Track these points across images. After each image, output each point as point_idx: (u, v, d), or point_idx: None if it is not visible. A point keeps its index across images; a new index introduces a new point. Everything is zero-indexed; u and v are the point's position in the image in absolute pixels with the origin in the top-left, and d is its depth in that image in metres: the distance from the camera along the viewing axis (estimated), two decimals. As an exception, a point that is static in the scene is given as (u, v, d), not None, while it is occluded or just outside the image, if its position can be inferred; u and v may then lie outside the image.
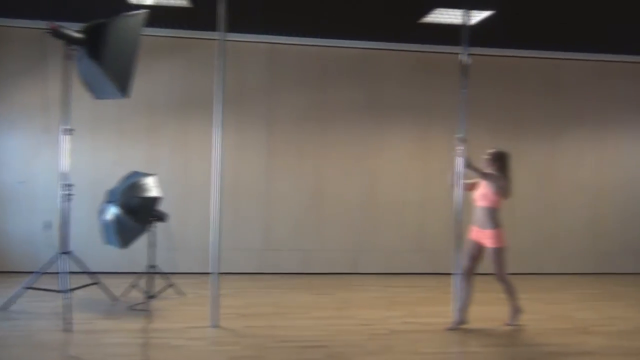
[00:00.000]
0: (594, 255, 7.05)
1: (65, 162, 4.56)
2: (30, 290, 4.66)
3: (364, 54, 6.54)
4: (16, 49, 6.20)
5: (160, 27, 5.98)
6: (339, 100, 6.55)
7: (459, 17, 5.16)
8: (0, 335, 4.09)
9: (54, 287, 4.53)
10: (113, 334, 4.23)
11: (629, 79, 6.99)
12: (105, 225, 5.00)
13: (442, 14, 5.12)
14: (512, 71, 6.80)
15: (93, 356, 3.75)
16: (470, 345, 4.30)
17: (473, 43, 6.21)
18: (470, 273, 4.67)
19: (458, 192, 4.88)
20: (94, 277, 5.10)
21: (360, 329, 4.55)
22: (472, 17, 5.15)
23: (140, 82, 5.07)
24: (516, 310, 4.73)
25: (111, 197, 5.03)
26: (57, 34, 4.30)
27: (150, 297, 4.99)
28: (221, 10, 4.49)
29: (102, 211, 5.08)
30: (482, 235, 4.61)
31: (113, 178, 5.29)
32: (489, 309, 5.28)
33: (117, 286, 5.39)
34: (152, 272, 5.14)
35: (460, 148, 4.49)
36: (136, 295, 5.20)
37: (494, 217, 4.57)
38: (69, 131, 4.55)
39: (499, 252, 4.57)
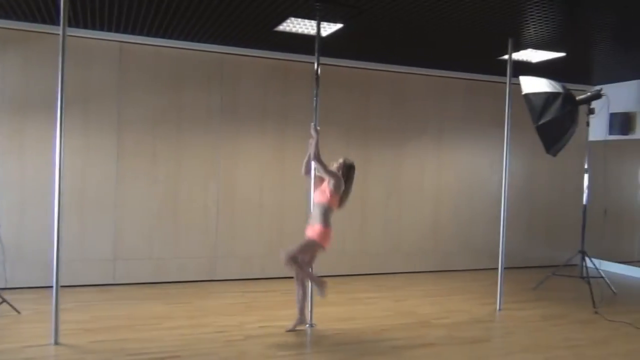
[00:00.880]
0: (436, 255, 7.64)
1: None
2: None
3: (220, 59, 6.49)
4: None
5: (-7, 17, 5.44)
6: (194, 104, 6.41)
7: (312, 27, 5.33)
8: None
9: None
10: None
11: (461, 93, 7.70)
12: None
13: (295, 24, 5.24)
14: (362, 82, 7.16)
15: None
16: (324, 344, 4.44)
17: (325, 53, 6.48)
18: (302, 272, 4.70)
19: (313, 195, 5.03)
20: None
21: (215, 337, 4.49)
22: (324, 29, 5.34)
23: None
24: (302, 317, 4.78)
25: None
26: None
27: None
28: (62, 2, 4.18)
29: None
30: (310, 230, 4.65)
31: None
32: (340, 309, 5.49)
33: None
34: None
35: (312, 139, 4.59)
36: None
37: (326, 214, 4.58)
38: None
39: (314, 245, 4.59)
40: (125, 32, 5.90)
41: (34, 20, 5.54)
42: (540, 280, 6.83)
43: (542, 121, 5.85)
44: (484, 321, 5.25)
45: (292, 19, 5.09)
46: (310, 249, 4.62)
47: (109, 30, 5.84)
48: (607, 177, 7.21)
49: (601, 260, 7.26)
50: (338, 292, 6.24)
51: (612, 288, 6.54)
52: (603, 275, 6.52)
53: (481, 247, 7.82)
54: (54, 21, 5.48)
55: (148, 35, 5.99)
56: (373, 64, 7.09)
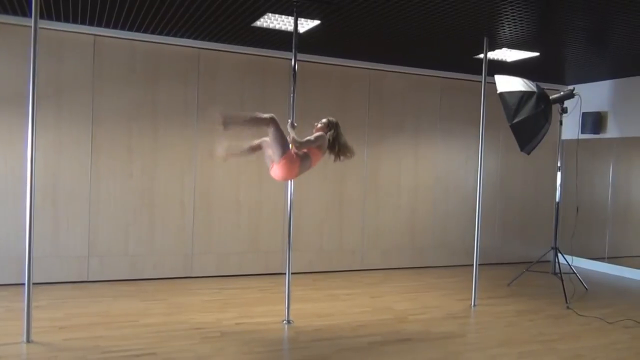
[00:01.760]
0: (412, 251, 7.70)
1: None
2: None
3: (197, 54, 6.43)
4: None
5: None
6: (170, 99, 6.35)
7: (289, 24, 5.32)
8: None
9: None
10: None
11: (437, 91, 7.77)
12: None
13: (272, 20, 5.22)
14: (340, 79, 7.17)
15: None
16: (301, 340, 4.44)
17: (303, 50, 6.49)
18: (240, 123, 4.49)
19: (290, 192, 5.03)
20: None
21: (192, 333, 4.46)
22: (301, 25, 5.34)
23: None
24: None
25: None
26: None
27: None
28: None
29: None
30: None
31: None
32: (317, 306, 5.51)
33: None
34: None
35: (289, 135, 4.58)
36: None
37: (302, 151, 4.51)
38: None
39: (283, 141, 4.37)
40: (99, 25, 5.81)
41: (4, 12, 5.42)
42: (515, 276, 6.94)
43: (516, 120, 5.94)
44: (459, 317, 5.31)
45: (270, 14, 5.07)
46: (282, 143, 4.34)
47: (83, 23, 5.74)
48: (579, 175, 7.35)
49: (573, 257, 7.40)
50: (315, 288, 6.26)
51: (584, 284, 6.68)
52: (575, 271, 6.65)
53: (457, 244, 7.91)
54: (26, 13, 5.37)
55: (122, 29, 5.91)
56: (350, 61, 7.11)
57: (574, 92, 6.31)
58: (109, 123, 6.10)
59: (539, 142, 6.10)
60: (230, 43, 6.38)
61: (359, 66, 7.20)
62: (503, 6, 4.58)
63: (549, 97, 6.07)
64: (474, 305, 5.69)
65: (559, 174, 6.70)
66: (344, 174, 7.15)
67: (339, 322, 4.97)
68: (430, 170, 7.78)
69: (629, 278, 7.48)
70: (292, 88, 4.87)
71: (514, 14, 4.81)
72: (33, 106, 4.13)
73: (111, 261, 6.16)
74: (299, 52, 6.08)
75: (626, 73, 7.41)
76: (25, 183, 4.16)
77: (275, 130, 4.30)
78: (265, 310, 5.22)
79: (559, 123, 6.49)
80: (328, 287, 6.33)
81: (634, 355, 4.37)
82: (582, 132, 7.87)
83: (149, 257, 6.31)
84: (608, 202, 7.98)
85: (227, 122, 4.29)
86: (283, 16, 5.13)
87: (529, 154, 6.22)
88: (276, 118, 4.32)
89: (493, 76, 6.16)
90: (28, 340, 4.08)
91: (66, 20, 5.65)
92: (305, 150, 4.49)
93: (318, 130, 4.66)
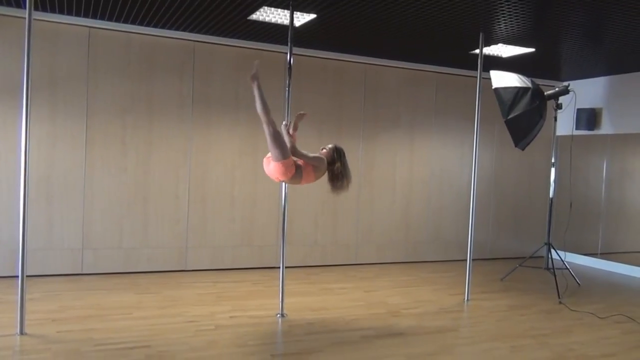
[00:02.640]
0: (407, 246, 7.73)
1: None
2: None
3: (192, 47, 6.41)
4: None
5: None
6: (165, 92, 6.33)
7: (285, 17, 5.31)
8: None
9: None
10: None
11: (432, 86, 7.77)
12: None
13: (268, 13, 5.21)
14: (335, 73, 7.17)
15: None
16: (295, 334, 4.46)
17: (298, 44, 6.47)
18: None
19: (285, 186, 5.04)
20: None
21: (186, 327, 4.47)
22: (297, 19, 5.33)
23: None
24: None
25: None
26: None
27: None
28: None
29: None
30: None
31: None
32: (312, 300, 5.52)
33: None
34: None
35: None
36: None
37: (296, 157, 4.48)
38: None
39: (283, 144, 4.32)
40: (94, 17, 5.78)
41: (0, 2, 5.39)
42: (508, 271, 6.97)
43: (511, 115, 5.95)
44: (452, 311, 5.34)
45: (266, 8, 5.06)
46: (284, 147, 4.29)
47: (78, 15, 5.71)
48: (573, 171, 7.38)
49: (566, 253, 7.44)
50: (310, 282, 6.27)
51: (577, 279, 6.72)
52: (568, 267, 6.69)
53: (451, 239, 7.94)
54: (20, 4, 5.34)
55: (118, 21, 5.89)
56: (346, 55, 7.10)
57: (569, 88, 6.32)
58: (104, 115, 6.08)
59: (534, 137, 6.11)
60: (225, 36, 6.37)
61: (354, 60, 7.20)
62: (499, 2, 4.59)
63: (543, 93, 6.08)
64: (467, 299, 5.72)
65: (553, 170, 6.73)
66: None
67: (332, 315, 4.99)
68: (425, 165, 7.79)
69: (621, 274, 7.53)
70: (287, 82, 4.86)
71: (510, 10, 4.81)
72: (27, 98, 4.11)
73: (105, 254, 6.15)
74: (295, 46, 6.09)
75: (621, 70, 7.43)
76: (19, 175, 4.15)
77: (276, 134, 4.23)
78: (259, 304, 5.23)
79: (553, 119, 6.52)
80: (322, 281, 6.35)
81: (625, 349, 4.41)
82: (577, 128, 7.90)
83: (143, 250, 6.31)
84: (601, 198, 8.02)
85: (254, 79, 4.23)
86: (279, 9, 5.12)
87: (523, 149, 6.24)
88: (276, 127, 4.25)
89: (488, 71, 6.17)
90: (21, 333, 4.08)
91: (61, 11, 5.62)
92: (300, 163, 4.43)
93: (323, 153, 4.58)
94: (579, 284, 6.64)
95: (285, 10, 5.11)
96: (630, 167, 7.81)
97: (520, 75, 6.02)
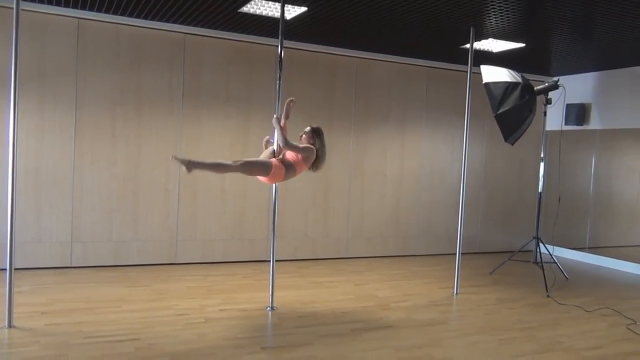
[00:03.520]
0: (397, 240, 7.75)
1: None
2: None
3: (182, 39, 6.38)
4: None
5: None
6: (155, 84, 6.29)
7: (276, 10, 5.29)
8: None
9: None
10: None
11: (423, 80, 7.79)
12: None
13: (259, 6, 5.18)
14: (326, 67, 7.16)
15: None
16: (285, 327, 4.47)
17: (290, 37, 6.46)
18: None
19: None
20: None
21: (175, 319, 4.47)
22: (288, 12, 5.31)
23: None
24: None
25: None
26: None
27: None
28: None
29: None
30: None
31: None
32: (301, 293, 5.54)
33: None
34: None
35: (275, 129, 4.59)
36: None
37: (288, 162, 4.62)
38: None
39: (269, 167, 4.46)
40: (83, 8, 5.73)
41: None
42: (497, 265, 7.03)
43: (501, 110, 5.98)
44: (442, 304, 5.37)
45: (257, 0, 5.04)
46: (262, 167, 4.44)
47: (67, 5, 5.66)
48: (562, 166, 7.44)
49: (554, 247, 7.51)
50: (300, 276, 6.28)
51: (565, 273, 6.78)
52: (556, 260, 6.75)
53: (441, 233, 7.98)
54: (9, -5, 5.28)
55: (107, 12, 5.84)
56: (337, 48, 7.09)
57: (558, 83, 6.36)
58: (93, 108, 6.04)
59: (523, 132, 6.15)
60: (216, 28, 6.33)
61: (345, 54, 7.19)
62: (489, -4, 4.60)
63: (533, 88, 6.11)
64: (456, 293, 5.76)
65: (542, 165, 6.77)
66: (329, 162, 7.09)
67: (322, 309, 5.00)
68: (416, 159, 7.82)
69: (608, 268, 7.61)
70: (278, 75, 4.85)
71: (501, 5, 4.82)
72: (15, 90, 4.07)
73: (95, 247, 6.13)
74: (286, 39, 6.07)
75: (610, 65, 7.48)
76: (7, 168, 4.12)
77: (247, 168, 4.37)
78: (249, 297, 5.24)
79: (543, 114, 6.55)
80: (312, 275, 6.36)
81: (611, 342, 4.46)
82: (566, 124, 7.95)
83: (133, 244, 6.29)
84: (590, 193, 8.08)
85: (191, 167, 4.20)
86: (270, 2, 5.10)
87: (513, 144, 6.28)
88: (243, 162, 4.34)
89: (479, 66, 6.19)
90: (10, 326, 4.06)
91: (49, 2, 5.56)
92: (290, 159, 4.54)
93: (304, 140, 4.69)
94: (566, 278, 6.70)
95: (277, 3, 5.09)
96: (618, 163, 7.88)
97: (510, 70, 6.05)
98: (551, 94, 6.46)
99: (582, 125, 8.05)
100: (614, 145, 7.91)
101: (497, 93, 5.98)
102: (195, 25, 6.21)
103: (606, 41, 6.01)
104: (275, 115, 4.66)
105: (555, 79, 6.33)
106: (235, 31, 6.41)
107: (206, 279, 5.91)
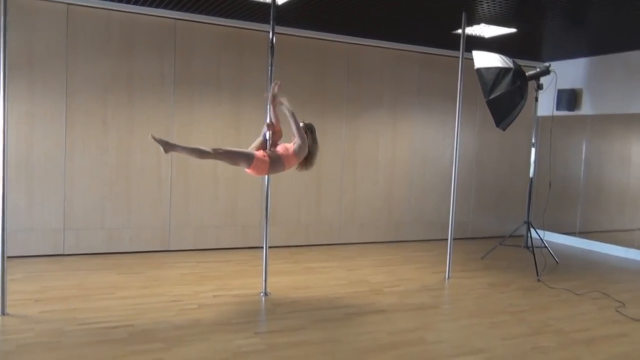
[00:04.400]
0: (389, 226, 7.79)
1: None
2: None
3: (173, 24, 6.33)
4: None
5: None
6: (146, 70, 6.25)
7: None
8: None
9: None
10: None
11: (415, 66, 7.78)
12: None
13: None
14: (318, 53, 7.13)
15: None
16: (278, 312, 4.50)
17: (281, 22, 6.42)
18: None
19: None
20: None
21: (169, 306, 4.49)
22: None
23: None
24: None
25: None
26: None
27: None
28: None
29: None
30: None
31: None
32: (295, 278, 5.57)
33: None
34: None
35: (265, 132, 4.65)
36: None
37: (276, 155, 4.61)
38: None
39: (251, 158, 4.46)
40: (73, -6, 5.67)
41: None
42: (488, 250, 7.09)
43: (492, 96, 5.99)
44: (434, 289, 5.42)
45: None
46: (244, 157, 4.42)
47: (56, -9, 5.60)
48: (553, 151, 7.49)
49: (545, 231, 7.58)
50: (293, 261, 6.31)
51: (555, 257, 6.85)
52: (547, 245, 6.82)
53: (433, 219, 8.03)
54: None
55: (97, -2, 5.78)
56: (329, 34, 7.07)
57: (550, 68, 6.38)
58: (84, 94, 6.00)
59: (515, 118, 6.17)
60: (207, 14, 6.29)
61: (337, 40, 7.16)
62: (481, -19, 4.59)
63: (525, 73, 6.13)
64: (448, 277, 5.81)
65: (533, 150, 6.81)
66: (322, 148, 7.06)
67: (315, 294, 5.04)
68: (408, 145, 7.83)
69: (598, 252, 7.69)
70: (269, 61, 4.83)
71: (492, -10, 4.81)
72: (4, 77, 4.04)
73: (87, 234, 6.12)
74: (277, 24, 6.04)
75: (601, 50, 7.50)
76: (-2, 155, 4.09)
77: (228, 157, 4.36)
78: (243, 283, 5.27)
79: (534, 99, 6.58)
80: (305, 260, 6.40)
81: (600, 324, 4.53)
82: (557, 109, 7.98)
83: (125, 231, 6.29)
84: (580, 178, 8.14)
85: (168, 149, 4.26)
86: (261, -13, 5.07)
87: (504, 129, 6.30)
88: (223, 151, 4.33)
89: (471, 52, 6.19)
90: (3, 313, 4.07)
91: (38, -12, 5.50)
92: (279, 152, 4.55)
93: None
94: (557, 262, 6.77)
95: (268, -12, 5.05)
96: (609, 148, 7.94)
97: (502, 56, 6.05)
98: (543, 80, 6.48)
99: (573, 110, 8.09)
100: (605, 131, 7.95)
101: (489, 79, 5.99)
102: (186, 10, 6.16)
103: (597, 26, 6.02)
104: (266, 122, 4.67)
105: (547, 64, 6.36)
106: (227, 17, 6.36)
107: (199, 265, 5.93)
